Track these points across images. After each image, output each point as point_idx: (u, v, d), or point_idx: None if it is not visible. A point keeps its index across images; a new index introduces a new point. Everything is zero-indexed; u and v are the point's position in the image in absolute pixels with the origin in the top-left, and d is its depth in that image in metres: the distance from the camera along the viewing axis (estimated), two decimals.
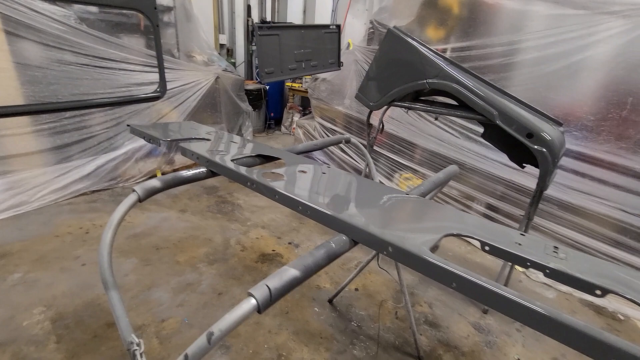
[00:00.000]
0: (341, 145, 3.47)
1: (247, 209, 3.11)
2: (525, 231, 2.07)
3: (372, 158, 3.62)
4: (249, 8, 6.28)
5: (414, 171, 3.31)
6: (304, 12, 6.24)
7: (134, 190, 0.82)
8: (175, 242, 2.52)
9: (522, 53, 2.56)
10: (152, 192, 0.83)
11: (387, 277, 2.30)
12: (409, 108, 2.12)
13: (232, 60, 5.94)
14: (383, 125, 2.57)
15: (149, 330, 1.74)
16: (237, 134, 4.93)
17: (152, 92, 2.01)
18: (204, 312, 1.91)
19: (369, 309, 2.02)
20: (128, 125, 1.32)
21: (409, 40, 1.97)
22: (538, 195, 1.85)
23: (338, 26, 3.19)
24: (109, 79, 3.33)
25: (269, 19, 6.52)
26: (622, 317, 2.13)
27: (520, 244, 0.68)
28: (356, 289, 2.17)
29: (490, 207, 2.93)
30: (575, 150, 2.43)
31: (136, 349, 0.64)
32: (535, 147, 1.65)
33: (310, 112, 4.88)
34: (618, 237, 2.31)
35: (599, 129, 2.34)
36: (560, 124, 1.82)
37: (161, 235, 2.59)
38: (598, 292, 0.58)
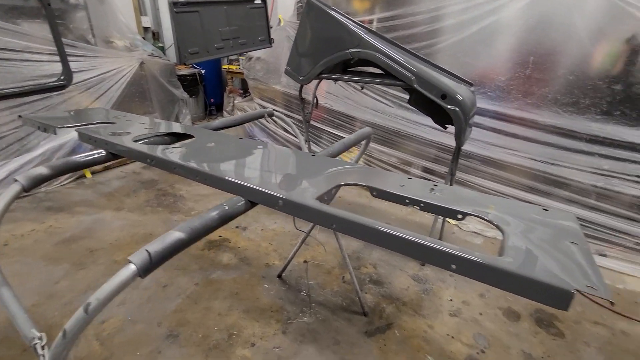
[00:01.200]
0: (285, 124, 3.43)
1: (190, 199, 3.01)
2: (451, 182, 2.27)
3: (311, 133, 3.66)
4: None
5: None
6: None
7: (16, 180, 0.75)
8: (112, 241, 2.38)
9: (441, 20, 2.70)
10: (38, 181, 0.77)
11: (335, 247, 2.39)
12: (337, 79, 2.15)
13: (160, 45, 5.52)
14: (317, 100, 2.59)
15: (88, 333, 1.65)
16: None
17: (55, 81, 1.81)
18: (148, 306, 1.85)
19: (318, 277, 2.10)
20: (19, 117, 1.18)
21: (329, 11, 1.97)
22: (457, 151, 2.01)
23: (264, 1, 3.09)
24: (10, 72, 2.94)
25: None
26: None
27: (403, 186, 0.75)
28: (305, 261, 2.24)
29: (426, 169, 3.13)
30: (491, 110, 2.67)
31: (37, 342, 0.61)
32: (449, 106, 1.78)
33: (250, 94, 4.75)
34: (531, 183, 2.62)
35: (509, 88, 2.58)
36: (470, 84, 1.97)
37: (95, 237, 2.42)
38: (459, 216, 0.66)
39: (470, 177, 2.84)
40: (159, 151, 0.87)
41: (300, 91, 2.37)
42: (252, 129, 3.98)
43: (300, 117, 3.62)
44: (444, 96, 1.79)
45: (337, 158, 1.07)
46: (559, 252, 0.52)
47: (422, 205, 0.69)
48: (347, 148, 1.14)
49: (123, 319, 1.76)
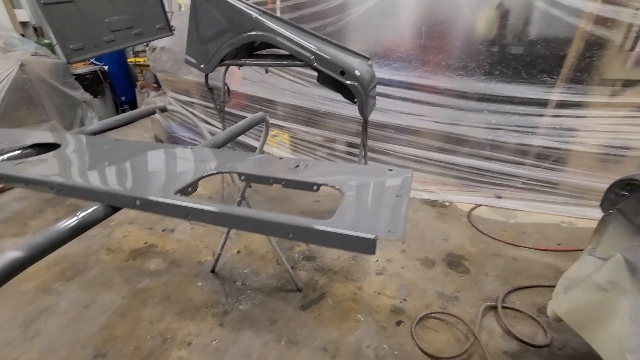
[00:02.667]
0: (185, 116, 3.25)
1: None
2: (365, 156, 2.41)
3: (232, 121, 3.57)
4: None
5: (280, 127, 3.41)
6: None
7: None
8: None
9: None
10: None
11: None
12: (240, 64, 2.11)
13: (46, 41, 4.81)
14: (228, 87, 2.52)
15: None
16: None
17: None
18: (69, 331, 1.72)
19: (253, 265, 2.13)
20: None
21: None
22: (364, 124, 2.14)
23: None
24: None
25: None
26: (447, 204, 2.76)
27: (270, 167, 0.80)
28: (238, 252, 2.25)
29: (349, 144, 3.27)
30: (397, 80, 2.85)
31: None
32: (348, 82, 1.86)
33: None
34: (439, 144, 2.90)
35: (409, 58, 2.78)
36: (368, 59, 2.08)
37: None
38: (315, 187, 0.73)
39: (388, 145, 3.05)
40: (6, 168, 0.79)
41: (207, 80, 2.28)
42: (170, 125, 3.75)
43: (226, 109, 3.50)
44: (342, 72, 1.87)
45: (224, 148, 1.07)
46: (382, 206, 0.61)
47: (284, 182, 0.74)
48: (234, 136, 1.15)
49: (40, 350, 1.61)
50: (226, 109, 3.61)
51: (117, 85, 5.22)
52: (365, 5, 2.71)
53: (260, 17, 1.88)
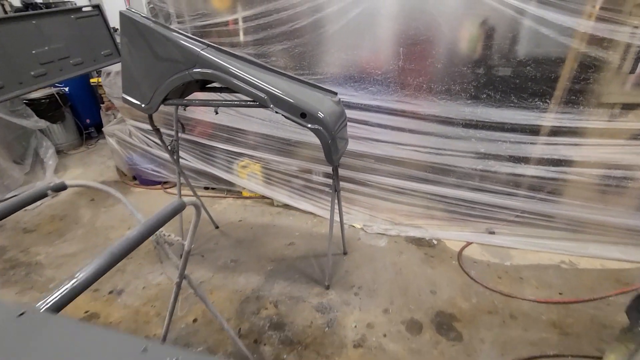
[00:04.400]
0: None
1: (50, 265, 2.43)
2: (339, 203, 2.12)
3: (201, 152, 3.24)
4: None
5: (250, 157, 3.10)
6: None
7: None
8: None
9: (306, 15, 2.47)
10: None
11: (232, 289, 2.12)
12: (185, 105, 1.80)
13: None
14: (182, 124, 2.21)
15: None
16: (32, 162, 3.81)
17: None
18: None
19: (209, 339, 1.82)
20: None
21: (150, 24, 1.59)
22: (334, 170, 1.85)
23: (97, 6, 2.53)
24: None
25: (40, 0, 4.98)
26: (435, 242, 2.48)
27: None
28: (195, 320, 1.93)
29: (327, 175, 2.98)
30: (375, 105, 2.57)
31: None
32: (309, 125, 1.57)
33: None
34: (422, 174, 2.63)
35: (387, 81, 2.50)
36: (334, 94, 1.79)
37: None
38: None
39: (368, 176, 2.77)
40: None
41: (151, 121, 1.96)
42: (131, 156, 3.40)
43: (187, 136, 3.17)
44: (304, 115, 1.57)
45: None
46: None
47: None
48: (132, 247, 0.84)
49: None
50: (191, 137, 3.29)
51: (80, 108, 4.83)
52: (337, 23, 2.43)
53: (203, 52, 1.57)
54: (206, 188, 3.37)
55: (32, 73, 2.11)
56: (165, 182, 3.47)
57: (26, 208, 3.31)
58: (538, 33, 2.11)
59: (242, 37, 2.75)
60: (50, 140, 4.15)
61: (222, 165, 3.20)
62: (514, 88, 2.26)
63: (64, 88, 4.66)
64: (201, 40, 1.62)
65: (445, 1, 2.22)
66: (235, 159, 3.16)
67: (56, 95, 4.38)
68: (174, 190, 3.37)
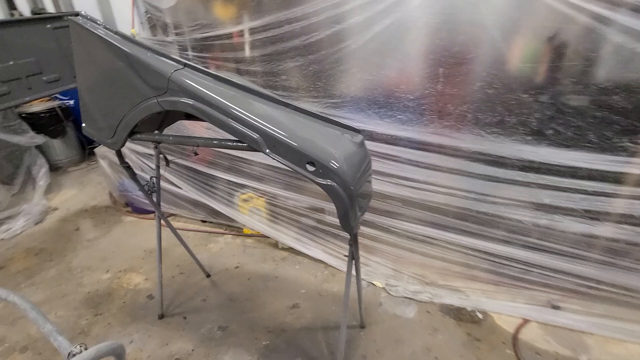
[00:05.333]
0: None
1: (5, 319, 2.02)
2: (357, 274, 1.63)
3: (201, 182, 2.82)
4: None
5: (254, 189, 2.65)
6: None
7: None
8: None
9: (324, 26, 2.03)
10: None
11: None
12: (157, 141, 1.37)
13: None
14: (166, 158, 1.78)
15: None
16: (22, 181, 3.51)
17: None
18: None
19: None
20: None
21: (106, 36, 1.17)
22: (353, 238, 1.35)
23: (76, 14, 2.17)
24: None
25: (51, 9, 4.83)
26: (480, 316, 1.92)
27: None
28: None
29: None
30: (405, 137, 2.08)
31: None
32: (319, 180, 1.10)
33: None
34: (462, 224, 2.09)
35: (421, 109, 2.01)
36: (357, 132, 1.31)
37: None
38: None
39: (394, 222, 2.25)
40: None
41: (120, 157, 1.54)
42: (123, 182, 3.03)
43: (184, 162, 2.77)
44: (311, 163, 1.10)
45: None
46: None
47: None
48: None
49: None
50: (190, 164, 2.89)
51: None
52: (360, 38, 1.97)
53: (176, 75, 1.14)
54: (204, 221, 2.94)
55: None
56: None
57: (2, 237, 3.01)
58: (628, 50, 1.58)
59: (248, 52, 2.34)
60: (47, 157, 3.87)
61: (222, 198, 2.76)
62: (593, 123, 1.71)
63: (69, 101, 4.42)
64: (176, 58, 1.19)
65: (503, 10, 1.73)
66: (236, 190, 2.72)
67: (57, 110, 4.12)
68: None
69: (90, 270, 2.40)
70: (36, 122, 3.86)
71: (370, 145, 2.18)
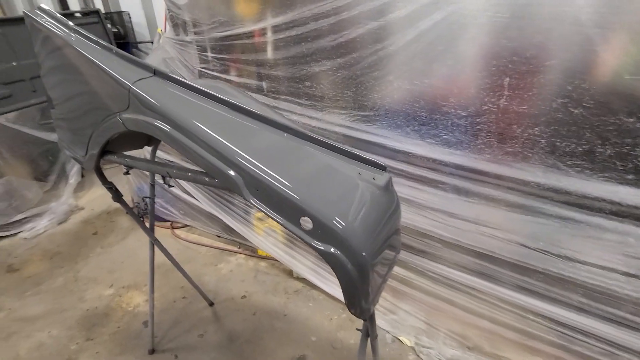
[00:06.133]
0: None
1: (2, 330, 1.93)
2: (375, 350, 1.24)
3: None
4: None
5: None
6: None
7: None
8: None
9: (357, 23, 1.67)
10: None
11: None
12: (127, 165, 1.11)
13: None
14: (164, 179, 1.54)
15: None
16: (56, 178, 3.56)
17: None
18: None
19: None
20: None
21: (59, 33, 0.92)
22: (369, 318, 0.98)
23: (96, 12, 2.04)
24: None
25: (101, 8, 4.98)
26: None
27: None
28: None
29: None
30: (451, 163, 1.65)
31: None
32: (318, 245, 0.75)
33: None
34: (522, 279, 1.62)
35: (475, 129, 1.57)
36: (382, 169, 0.94)
37: None
38: None
39: (430, 264, 1.83)
40: None
41: (100, 176, 1.32)
42: (142, 186, 2.92)
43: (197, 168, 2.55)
44: (309, 218, 0.76)
45: None
46: None
47: None
48: None
49: None
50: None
51: None
52: (401, 37, 1.58)
53: (138, 85, 0.86)
54: (219, 236, 2.72)
55: None
56: (175, 222, 2.90)
57: (26, 237, 3.03)
58: None
59: (270, 54, 2.05)
60: None
61: (237, 214, 2.51)
62: None
63: None
64: (144, 63, 0.91)
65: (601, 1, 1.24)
66: (252, 207, 2.45)
67: None
68: (183, 234, 2.78)
69: (95, 283, 2.27)
70: None
71: (406, 167, 1.80)
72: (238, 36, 2.05)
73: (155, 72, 0.90)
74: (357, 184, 0.83)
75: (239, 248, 2.58)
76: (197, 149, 0.81)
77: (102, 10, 5.05)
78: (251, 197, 0.79)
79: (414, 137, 1.72)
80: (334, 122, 1.94)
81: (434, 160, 1.68)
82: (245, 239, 2.50)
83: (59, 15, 0.94)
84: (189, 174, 0.95)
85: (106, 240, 2.77)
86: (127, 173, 1.24)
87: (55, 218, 3.03)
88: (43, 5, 0.97)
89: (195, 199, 2.66)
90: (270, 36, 1.97)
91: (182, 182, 2.63)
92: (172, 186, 1.38)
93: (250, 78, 2.21)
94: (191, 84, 0.88)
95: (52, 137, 3.48)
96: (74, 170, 3.62)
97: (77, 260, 2.52)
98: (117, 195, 1.37)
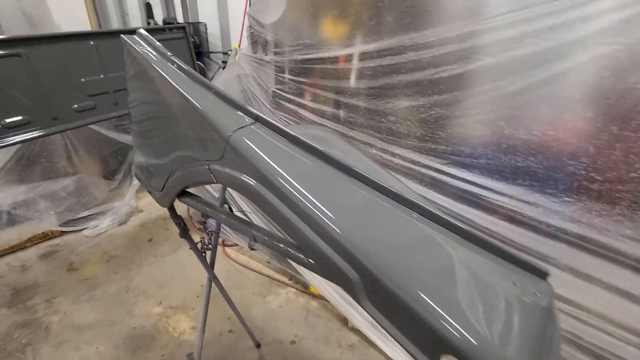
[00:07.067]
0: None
1: (54, 338, 1.92)
2: None
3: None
4: (148, 7, 5.02)
5: None
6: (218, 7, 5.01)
7: None
8: None
9: (464, 58, 1.43)
10: None
11: None
12: (207, 215, 0.97)
13: None
14: (229, 207, 1.41)
15: None
16: (122, 177, 3.71)
17: None
18: None
19: None
20: None
21: (155, 63, 0.80)
22: None
23: (183, 28, 2.02)
24: None
25: (180, 19, 5.26)
26: None
27: None
28: None
29: None
30: (571, 232, 1.33)
31: None
32: None
33: None
34: None
35: (611, 193, 1.24)
36: (543, 276, 0.68)
37: None
38: None
39: None
40: None
41: (171, 211, 1.21)
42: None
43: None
44: (453, 354, 0.53)
45: None
46: None
47: None
48: None
49: None
50: None
51: None
52: (528, 77, 1.30)
53: (240, 137, 0.70)
54: (269, 262, 2.58)
55: (75, 106, 1.64)
56: (226, 239, 2.82)
57: (88, 234, 3.13)
58: None
59: (352, 82, 1.87)
60: None
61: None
62: None
63: None
64: (247, 108, 0.75)
65: None
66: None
67: None
68: (233, 253, 2.68)
69: (144, 297, 2.23)
70: None
71: (507, 229, 1.50)
72: (321, 60, 1.91)
73: (257, 119, 0.74)
74: (519, 306, 0.59)
75: (290, 280, 2.41)
76: (305, 230, 0.62)
77: (182, 20, 5.35)
78: (369, 304, 0.59)
79: (525, 193, 1.42)
80: (420, 162, 1.70)
81: (548, 225, 1.37)
82: (297, 271, 2.32)
83: (157, 43, 0.84)
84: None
85: (159, 249, 2.75)
86: (204, 223, 1.10)
87: (117, 218, 3.11)
88: (142, 31, 0.88)
89: (248, 218, 2.55)
90: (356, 63, 1.80)
91: (235, 196, 2.53)
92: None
93: (326, 104, 2.05)
94: (303, 139, 0.70)
95: (124, 138, 3.63)
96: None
97: (130, 268, 2.52)
98: (184, 232, 1.25)
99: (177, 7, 5.17)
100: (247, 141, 0.69)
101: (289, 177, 0.66)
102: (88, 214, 3.11)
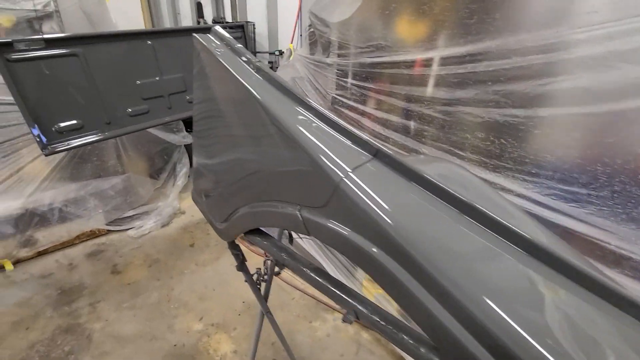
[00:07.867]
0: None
1: (95, 348, 1.85)
2: None
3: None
4: (199, 6, 5.03)
5: None
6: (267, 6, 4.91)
7: None
8: None
9: (565, 71, 1.12)
10: None
11: None
12: (281, 263, 0.77)
13: None
14: (291, 236, 1.23)
15: None
16: (166, 177, 3.70)
17: None
18: None
19: None
20: None
21: (237, 67, 0.60)
22: None
23: (240, 26, 1.88)
24: None
25: (229, 19, 5.24)
26: None
27: None
28: None
29: None
30: None
31: None
32: None
33: None
34: None
35: None
36: None
37: None
38: None
39: None
40: None
41: (230, 243, 1.03)
42: None
43: None
44: None
45: None
46: None
47: None
48: None
49: None
50: None
51: None
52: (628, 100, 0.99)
53: (355, 180, 0.48)
54: None
55: (129, 110, 1.54)
56: None
57: (133, 234, 3.11)
58: None
59: (429, 90, 1.62)
60: (192, 158, 4.06)
61: (342, 264, 2.13)
62: None
63: None
64: (363, 138, 0.54)
65: None
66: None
67: None
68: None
69: (185, 309, 2.12)
70: (191, 121, 4.08)
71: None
72: (394, 64, 1.67)
73: (377, 154, 0.53)
74: None
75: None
76: (451, 324, 0.40)
77: (230, 19, 5.32)
78: None
79: (612, 218, 1.10)
80: (513, 190, 1.41)
81: None
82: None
83: (237, 45, 0.65)
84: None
85: (201, 256, 2.65)
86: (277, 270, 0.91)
87: (160, 220, 3.07)
88: (218, 28, 0.70)
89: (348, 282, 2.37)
90: (437, 68, 1.54)
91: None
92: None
93: (394, 114, 1.81)
94: (447, 188, 0.48)
95: (171, 137, 3.62)
96: (182, 172, 3.71)
97: (172, 275, 2.43)
98: (241, 265, 1.07)
99: (226, 6, 5.16)
100: (367, 188, 0.48)
101: (433, 250, 0.43)
102: (133, 213, 3.10)
